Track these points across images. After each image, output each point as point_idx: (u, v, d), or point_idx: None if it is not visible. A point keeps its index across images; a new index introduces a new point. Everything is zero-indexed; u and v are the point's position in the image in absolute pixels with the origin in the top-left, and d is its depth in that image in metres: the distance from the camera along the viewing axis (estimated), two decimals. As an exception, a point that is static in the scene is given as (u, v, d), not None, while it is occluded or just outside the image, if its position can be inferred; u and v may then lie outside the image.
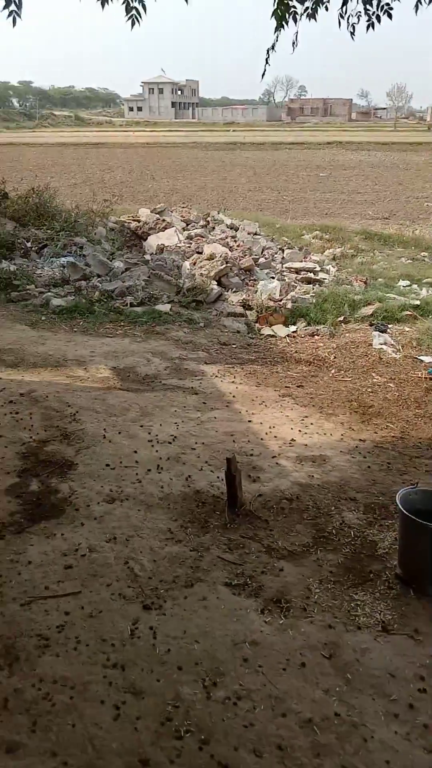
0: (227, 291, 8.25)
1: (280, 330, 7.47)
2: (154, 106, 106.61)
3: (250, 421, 4.85)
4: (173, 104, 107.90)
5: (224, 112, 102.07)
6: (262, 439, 4.53)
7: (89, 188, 21.11)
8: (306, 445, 4.47)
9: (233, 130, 64.06)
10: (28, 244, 9.80)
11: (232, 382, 5.77)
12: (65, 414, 4.69)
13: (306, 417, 4.98)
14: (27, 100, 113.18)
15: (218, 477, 3.93)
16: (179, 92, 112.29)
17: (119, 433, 4.45)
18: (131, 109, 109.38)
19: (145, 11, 3.95)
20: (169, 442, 4.36)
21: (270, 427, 4.73)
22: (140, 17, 3.96)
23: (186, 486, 3.83)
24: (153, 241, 10.17)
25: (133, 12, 3.96)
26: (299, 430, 4.70)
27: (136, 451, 4.18)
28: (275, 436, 4.59)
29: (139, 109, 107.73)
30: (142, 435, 4.46)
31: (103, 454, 4.13)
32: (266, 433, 4.63)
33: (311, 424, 4.84)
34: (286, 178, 26.97)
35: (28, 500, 3.61)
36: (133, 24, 3.97)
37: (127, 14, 3.96)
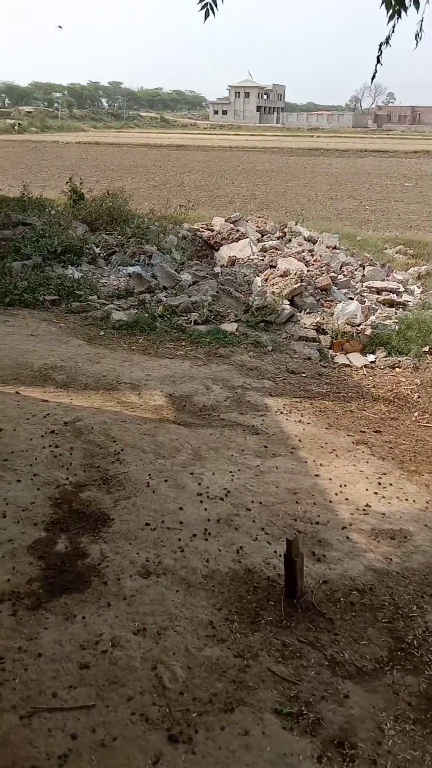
0: (300, 312, 7.58)
1: (357, 359, 6.74)
2: (239, 110, 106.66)
3: (317, 476, 4.18)
4: (258, 108, 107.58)
5: (309, 118, 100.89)
6: (330, 501, 3.85)
7: (167, 190, 20.90)
8: (383, 514, 3.76)
9: (317, 136, 62.99)
10: (97, 250, 9.47)
11: (299, 420, 5.12)
12: (109, 452, 4.18)
13: (384, 474, 4.26)
14: (116, 101, 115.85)
15: (275, 552, 3.30)
16: (265, 96, 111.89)
17: (165, 481, 3.89)
18: (216, 112, 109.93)
19: (215, 5, 3.41)
20: (221, 498, 3.75)
21: (341, 486, 4.05)
22: (215, 8, 3.42)
23: (236, 561, 3.21)
24: (225, 252, 9.62)
25: (208, 2, 3.43)
26: (375, 492, 4.00)
27: (181, 508, 3.61)
28: (346, 499, 3.90)
29: (224, 112, 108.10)
30: (190, 485, 3.88)
31: (144, 509, 3.58)
32: (336, 494, 3.95)
33: (390, 484, 4.13)
34: (369, 186, 25.91)
35: (52, 564, 3.10)
36: (206, 16, 3.45)
37: (200, 3, 3.42)
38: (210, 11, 3.44)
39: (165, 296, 7.68)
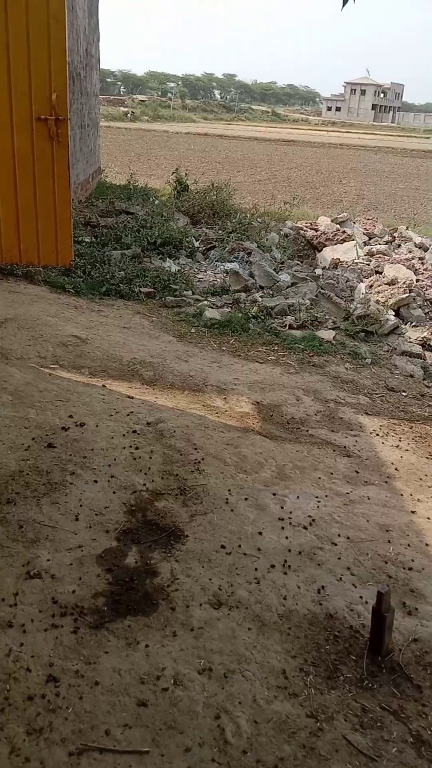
0: (405, 324, 7.09)
1: (464, 381, 6.18)
2: (354, 108, 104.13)
3: (413, 512, 3.78)
4: (374, 107, 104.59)
5: (427, 119, 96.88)
6: (427, 545, 3.46)
7: (273, 186, 20.58)
8: None
9: (433, 137, 60.35)
10: (196, 244, 9.33)
11: (397, 446, 4.71)
12: (189, 459, 3.97)
13: None
14: (228, 93, 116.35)
15: (361, 597, 2.97)
16: (382, 95, 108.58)
17: (245, 499, 3.63)
18: (329, 108, 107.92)
19: None
20: (305, 527, 3.45)
21: (439, 528, 3.64)
22: None
23: (316, 603, 2.91)
24: (328, 254, 9.21)
25: None
26: None
27: (260, 533, 3.34)
28: (445, 544, 3.49)
29: (338, 109, 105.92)
30: (272, 507, 3.60)
31: (221, 528, 3.34)
32: (433, 537, 3.55)
33: None
34: None
35: (120, 579, 2.92)
36: (345, 2, 3.13)
37: None
38: None
39: (261, 296, 7.40)
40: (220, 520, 3.40)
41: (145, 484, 3.65)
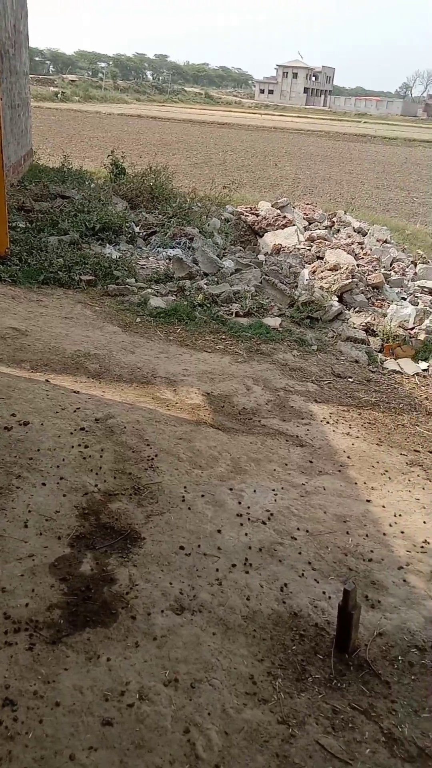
0: (348, 309, 7.13)
1: (408, 366, 6.29)
2: (286, 91, 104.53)
3: (368, 501, 3.79)
4: (306, 90, 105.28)
5: (357, 103, 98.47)
6: (384, 534, 3.46)
7: (209, 169, 20.36)
8: (443, 553, 3.36)
9: (365, 122, 61.36)
10: (137, 229, 9.08)
11: (347, 433, 4.72)
12: (142, 456, 3.83)
13: (442, 505, 3.85)
14: (161, 74, 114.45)
15: (324, 593, 2.93)
16: (313, 78, 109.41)
17: (202, 496, 3.53)
18: (262, 91, 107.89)
19: None
20: (264, 522, 3.39)
21: (395, 516, 3.66)
22: None
23: (280, 601, 2.85)
24: (269, 239, 9.16)
25: None
26: (434, 527, 3.59)
27: (220, 531, 3.25)
28: (402, 532, 3.51)
29: (270, 92, 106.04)
30: (229, 503, 3.52)
31: (179, 528, 3.23)
32: (390, 525, 3.56)
33: (449, 518, 3.72)
34: (417, 177, 25.03)
35: (76, 588, 2.77)
36: None
37: None
38: None
39: (206, 284, 7.28)
40: (178, 519, 3.29)
41: (96, 485, 3.49)
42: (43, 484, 3.41)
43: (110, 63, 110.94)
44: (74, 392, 4.58)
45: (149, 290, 7.02)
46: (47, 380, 4.69)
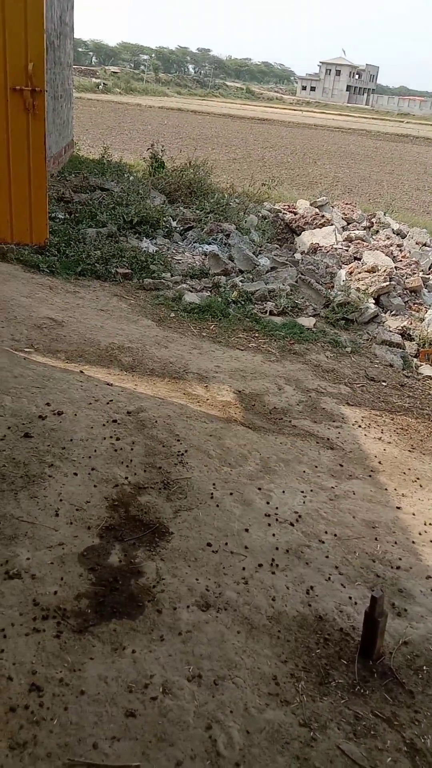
0: (384, 312, 7.05)
1: (443, 372, 6.19)
2: (328, 88, 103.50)
3: (399, 508, 3.75)
4: (348, 88, 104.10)
5: (401, 102, 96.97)
6: (414, 542, 3.43)
7: (248, 165, 20.29)
8: (473, 565, 3.31)
9: (407, 122, 60.43)
10: (174, 224, 9.11)
11: (379, 438, 4.67)
12: (172, 451, 3.85)
13: (473, 515, 3.79)
14: (203, 68, 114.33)
15: (350, 598, 2.92)
16: (357, 76, 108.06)
17: (231, 494, 3.54)
18: (304, 88, 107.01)
19: None
20: (292, 524, 3.38)
21: (425, 524, 3.62)
22: None
23: (305, 604, 2.85)
24: (306, 238, 9.10)
25: None
26: (464, 538, 3.54)
27: (247, 530, 3.25)
28: (431, 541, 3.47)
29: (312, 89, 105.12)
30: (258, 503, 3.52)
31: (207, 524, 3.24)
32: (420, 534, 3.52)
33: None
34: (460, 180, 24.55)
35: (103, 579, 2.80)
36: None
37: None
38: None
39: (241, 281, 7.27)
40: (206, 516, 3.31)
41: (127, 478, 3.52)
42: (75, 474, 3.45)
43: (152, 56, 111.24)
44: (107, 384, 4.63)
45: (184, 285, 7.04)
46: (81, 371, 4.75)
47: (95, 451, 3.69)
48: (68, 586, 2.72)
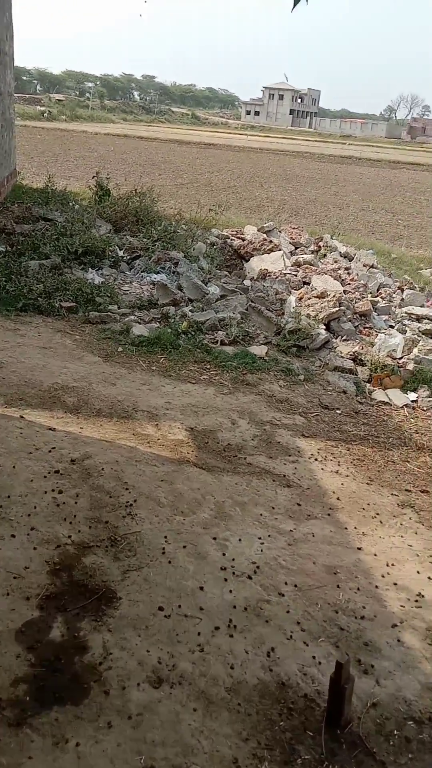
0: (336, 338, 6.99)
1: (397, 397, 6.14)
2: (272, 112, 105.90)
3: (360, 549, 3.59)
4: (291, 111, 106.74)
5: (342, 125, 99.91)
6: (377, 587, 3.27)
7: (195, 190, 20.34)
8: (439, 608, 3.17)
9: (350, 144, 62.17)
10: (120, 253, 8.92)
11: (336, 471, 4.53)
12: (120, 502, 3.62)
13: (436, 551, 3.67)
14: (148, 94, 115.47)
15: (314, 657, 2.73)
16: (299, 100, 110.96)
17: (184, 547, 3.32)
18: (248, 112, 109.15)
19: None
20: (249, 576, 3.18)
21: (388, 565, 3.47)
22: None
23: (266, 669, 2.64)
24: (255, 264, 9.04)
25: None
26: (428, 577, 3.41)
27: (202, 588, 3.04)
28: (395, 584, 3.31)
29: (257, 113, 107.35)
30: (213, 555, 3.31)
31: (158, 585, 3.01)
32: (383, 576, 3.36)
33: (444, 566, 3.53)
34: (402, 200, 25.21)
35: (44, 659, 2.54)
36: (296, 2, 2.90)
37: None
38: None
39: (191, 310, 7.11)
40: (157, 575, 3.07)
41: (70, 536, 3.27)
42: (13, 536, 3.18)
43: (97, 83, 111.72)
44: (50, 429, 4.37)
45: (132, 317, 6.84)
46: (22, 416, 4.48)
47: (35, 507, 3.43)
48: (4, 671, 2.45)
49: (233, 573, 3.17)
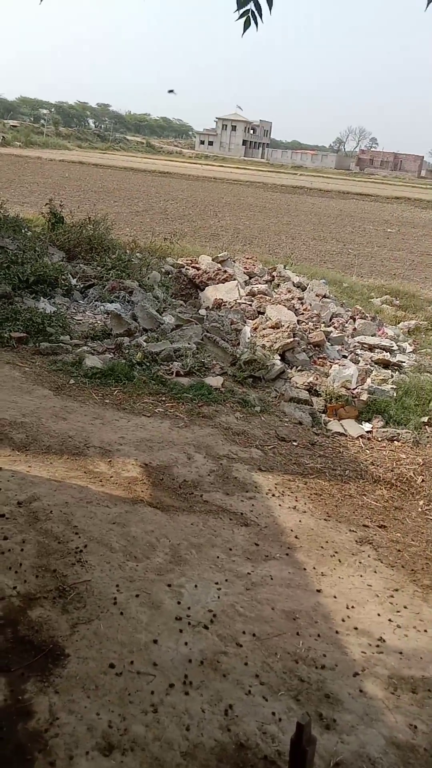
0: (290, 368, 6.98)
1: (352, 427, 6.14)
2: (225, 143, 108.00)
3: (319, 591, 3.50)
4: (244, 142, 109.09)
5: (293, 156, 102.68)
6: (337, 632, 3.17)
7: (150, 218, 20.38)
8: (400, 652, 3.10)
9: (301, 174, 63.81)
10: (73, 281, 8.77)
11: (294, 507, 4.46)
12: (69, 548, 3.43)
13: (395, 591, 3.61)
14: (103, 122, 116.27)
15: (273, 714, 2.60)
16: (252, 131, 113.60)
17: (137, 596, 3.16)
18: (202, 142, 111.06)
19: (260, 15, 2.85)
20: (206, 626, 3.04)
21: (348, 607, 3.38)
22: (259, 18, 2.86)
23: (224, 729, 2.49)
24: (210, 294, 9.02)
25: (249, 9, 2.87)
26: (389, 619, 3.34)
27: (156, 641, 2.88)
28: (356, 628, 3.23)
29: (210, 143, 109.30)
30: (167, 604, 3.15)
31: (109, 639, 2.84)
32: (343, 620, 3.27)
33: (404, 607, 3.47)
34: (352, 230, 25.88)
35: (-17, 728, 2.33)
36: (246, 27, 2.89)
37: (239, 11, 2.87)
38: (253, 21, 2.87)
39: (145, 340, 7.00)
40: (108, 628, 2.90)
41: (15, 587, 3.07)
42: None
43: (52, 110, 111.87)
44: (-4, 469, 4.16)
45: (85, 348, 6.68)
46: (-34, 455, 4.26)
47: (-22, 556, 3.22)
48: None
49: (189, 623, 3.03)
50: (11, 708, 2.44)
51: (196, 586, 3.32)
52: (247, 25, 2.91)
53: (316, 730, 2.50)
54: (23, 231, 11.49)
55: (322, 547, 3.97)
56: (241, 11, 2.90)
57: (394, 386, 6.83)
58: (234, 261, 10.58)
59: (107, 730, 2.40)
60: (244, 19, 2.91)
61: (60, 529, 3.58)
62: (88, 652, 2.74)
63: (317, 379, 6.75)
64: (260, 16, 2.85)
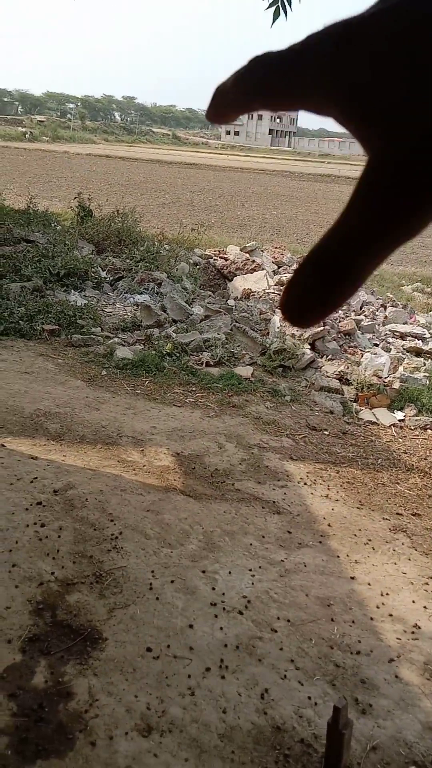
0: (321, 357, 6.95)
1: (384, 416, 6.09)
2: (252, 132, 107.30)
3: (353, 578, 3.50)
4: (270, 131, 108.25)
5: (320, 144, 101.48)
6: (372, 618, 3.17)
7: (177, 209, 20.40)
8: (436, 639, 3.08)
9: (328, 162, 63.07)
10: (103, 274, 8.84)
11: (326, 496, 4.45)
12: (105, 535, 3.49)
13: (430, 578, 3.58)
14: (129, 115, 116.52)
15: (309, 698, 2.62)
16: (278, 120, 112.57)
17: (172, 581, 3.20)
18: (228, 133, 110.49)
19: (289, 4, 2.82)
20: (240, 612, 3.07)
21: (382, 594, 3.37)
22: (288, 7, 2.83)
23: (261, 712, 2.52)
24: (239, 284, 9.01)
25: (277, 3, 2.85)
26: (424, 606, 3.32)
27: (191, 626, 2.92)
28: (390, 615, 3.22)
29: (236, 133, 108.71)
30: (202, 590, 3.19)
31: (146, 624, 2.89)
32: (377, 607, 3.27)
33: (439, 594, 3.45)
34: (382, 217, 25.47)
35: (27, 707, 2.40)
36: (275, 17, 2.86)
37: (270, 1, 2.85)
38: (282, 11, 2.85)
39: (175, 331, 7.04)
40: (144, 613, 2.95)
41: (53, 573, 3.14)
42: (-7, 575, 3.05)
43: (78, 104, 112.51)
44: (32, 458, 4.24)
45: (115, 340, 6.74)
46: (3, 445, 4.35)
47: (17, 542, 3.30)
48: (-17, 723, 2.31)
49: (224, 609, 3.06)
50: (52, 689, 2.51)
51: (230, 572, 3.35)
52: (276, 15, 2.88)
53: (352, 715, 2.51)
54: (53, 225, 11.62)
55: (355, 535, 3.96)
56: (271, 0, 2.88)
57: (427, 374, 6.75)
58: (262, 251, 10.53)
59: (145, 711, 2.45)
60: (273, 9, 2.88)
61: (95, 516, 3.64)
62: (125, 636, 2.79)
63: (348, 367, 6.70)
64: (290, 5, 2.82)
